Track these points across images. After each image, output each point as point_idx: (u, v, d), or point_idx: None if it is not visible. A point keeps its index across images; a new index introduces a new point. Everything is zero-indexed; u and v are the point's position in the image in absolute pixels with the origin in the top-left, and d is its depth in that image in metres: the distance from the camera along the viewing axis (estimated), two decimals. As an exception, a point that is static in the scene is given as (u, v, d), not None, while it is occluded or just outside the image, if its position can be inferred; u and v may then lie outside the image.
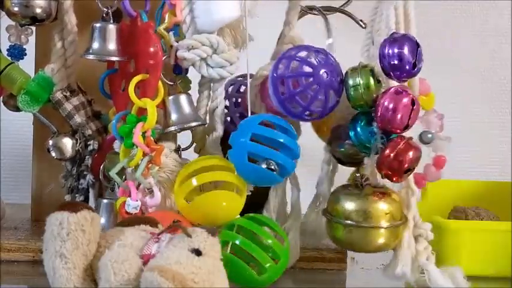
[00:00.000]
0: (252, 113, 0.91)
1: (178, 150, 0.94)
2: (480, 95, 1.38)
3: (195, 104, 0.94)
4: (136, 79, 0.89)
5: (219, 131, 0.93)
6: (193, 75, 0.95)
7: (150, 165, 0.87)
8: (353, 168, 0.94)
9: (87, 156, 0.95)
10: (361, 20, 1.01)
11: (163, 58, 0.90)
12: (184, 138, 0.96)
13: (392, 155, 0.85)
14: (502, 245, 0.92)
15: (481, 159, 1.38)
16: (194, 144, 0.96)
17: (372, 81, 0.86)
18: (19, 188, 1.23)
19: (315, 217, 0.95)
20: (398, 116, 0.84)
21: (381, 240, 0.87)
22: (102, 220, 0.92)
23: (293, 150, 0.86)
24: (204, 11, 0.90)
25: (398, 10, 0.90)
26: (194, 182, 0.85)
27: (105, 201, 0.94)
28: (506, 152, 1.37)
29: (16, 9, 0.92)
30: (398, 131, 0.86)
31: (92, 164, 0.95)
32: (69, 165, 0.96)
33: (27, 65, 0.97)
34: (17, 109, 0.95)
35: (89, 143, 0.95)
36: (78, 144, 0.95)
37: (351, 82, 0.87)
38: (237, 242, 0.82)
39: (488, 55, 1.38)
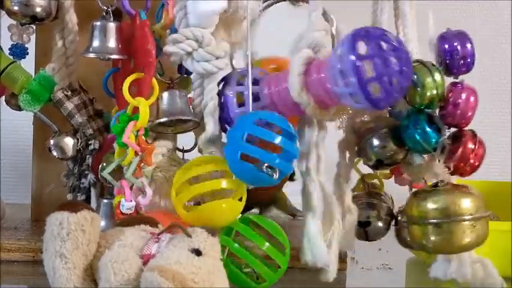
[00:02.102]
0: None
1: (180, 151, 0.94)
2: (480, 95, 1.38)
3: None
4: (130, 78, 0.89)
5: (212, 127, 0.90)
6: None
7: (142, 164, 0.87)
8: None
9: (88, 156, 0.95)
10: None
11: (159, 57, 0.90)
12: (187, 139, 0.96)
13: (468, 152, 0.86)
14: (502, 245, 0.92)
15: (481, 159, 1.38)
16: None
17: (439, 77, 0.85)
18: (19, 188, 1.24)
19: None
20: (469, 113, 0.85)
21: (473, 236, 0.84)
22: (103, 220, 0.92)
23: (289, 152, 0.82)
24: (194, 5, 0.88)
25: (399, 9, 0.89)
26: (191, 190, 0.82)
27: (106, 200, 0.94)
28: (506, 152, 1.37)
29: (16, 8, 0.92)
30: (464, 126, 0.86)
31: (93, 163, 0.95)
32: (71, 164, 0.96)
33: (28, 64, 0.97)
34: (19, 108, 0.95)
35: (90, 142, 0.95)
36: (79, 144, 0.95)
37: (422, 79, 0.85)
38: (234, 248, 0.82)
39: (488, 55, 1.38)
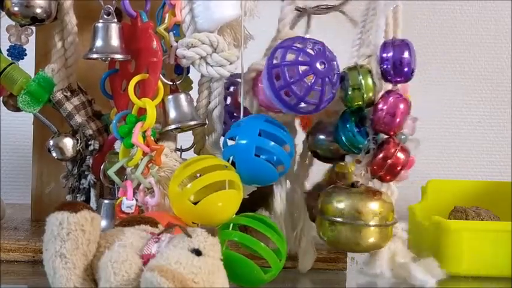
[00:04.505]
0: (245, 110, 0.91)
1: (178, 150, 0.94)
2: (480, 95, 1.38)
3: (195, 104, 0.94)
4: (136, 79, 0.89)
5: (219, 131, 0.93)
6: (193, 75, 0.95)
7: (150, 164, 0.87)
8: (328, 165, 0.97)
9: (88, 156, 0.95)
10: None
11: (163, 58, 0.90)
12: (186, 138, 0.96)
13: (388, 158, 0.88)
14: (502, 245, 0.92)
15: (481, 159, 1.38)
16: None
17: (370, 82, 0.88)
18: (19, 188, 1.24)
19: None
20: (397, 120, 0.88)
21: (371, 240, 0.87)
22: (103, 220, 0.92)
23: (292, 150, 0.88)
24: (204, 10, 0.90)
25: (388, 12, 0.92)
26: (189, 186, 0.83)
27: (106, 201, 0.94)
28: (506, 152, 1.37)
29: (16, 9, 0.92)
30: (392, 133, 0.89)
31: (93, 164, 0.95)
32: (70, 165, 0.96)
33: (28, 65, 0.97)
34: (17, 109, 0.95)
35: (89, 143, 0.95)
36: (79, 144, 0.95)
37: (350, 82, 0.88)
38: (239, 236, 0.82)
39: (488, 55, 1.39)
